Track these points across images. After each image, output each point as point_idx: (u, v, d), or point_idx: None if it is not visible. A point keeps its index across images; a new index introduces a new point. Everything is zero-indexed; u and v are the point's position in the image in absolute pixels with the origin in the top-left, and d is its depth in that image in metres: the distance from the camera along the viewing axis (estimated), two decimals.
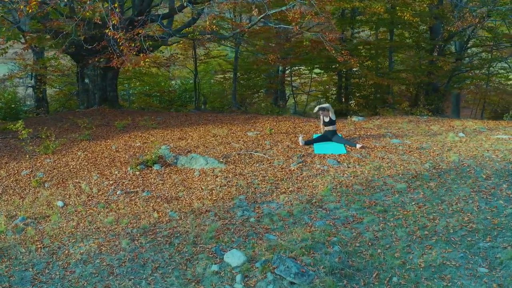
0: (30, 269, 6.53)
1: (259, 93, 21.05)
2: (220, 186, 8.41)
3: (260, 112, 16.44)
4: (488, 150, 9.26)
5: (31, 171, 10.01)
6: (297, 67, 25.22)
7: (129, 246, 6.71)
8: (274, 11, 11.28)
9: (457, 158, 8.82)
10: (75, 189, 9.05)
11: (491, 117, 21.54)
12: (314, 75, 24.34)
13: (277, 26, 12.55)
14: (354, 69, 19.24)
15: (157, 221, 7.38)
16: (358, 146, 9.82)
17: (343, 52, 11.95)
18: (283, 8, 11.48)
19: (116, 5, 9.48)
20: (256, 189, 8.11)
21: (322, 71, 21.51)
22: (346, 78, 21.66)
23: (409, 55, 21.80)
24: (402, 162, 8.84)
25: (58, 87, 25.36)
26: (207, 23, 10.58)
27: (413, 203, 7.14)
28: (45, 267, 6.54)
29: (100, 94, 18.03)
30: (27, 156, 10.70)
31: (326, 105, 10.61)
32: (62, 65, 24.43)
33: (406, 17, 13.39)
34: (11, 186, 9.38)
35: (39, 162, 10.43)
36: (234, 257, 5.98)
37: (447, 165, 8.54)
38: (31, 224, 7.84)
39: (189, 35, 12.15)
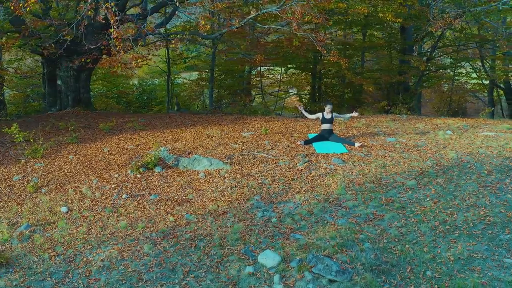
0: (48, 279, 6.27)
1: (237, 94, 21.04)
2: (231, 187, 8.35)
3: (243, 112, 16.40)
4: (481, 147, 9.66)
5: (23, 176, 9.57)
6: (266, 68, 25.35)
7: (153, 251, 6.55)
8: (265, 11, 11.31)
9: (455, 155, 9.16)
10: (75, 193, 8.74)
11: (449, 115, 22.44)
12: (284, 75, 24.52)
13: (266, 26, 12.57)
14: (330, 69, 19.57)
15: (175, 225, 7.25)
16: (357, 145, 10.00)
17: (332, 52, 12.11)
18: (273, 9, 11.54)
19: (113, 4, 9.21)
20: (269, 190, 8.11)
21: (299, 71, 21.70)
22: (320, 78, 21.99)
23: (381, 55, 22.38)
24: (405, 160, 9.09)
25: (16, 89, 24.28)
26: (202, 22, 10.47)
27: (428, 199, 7.36)
28: (64, 276, 6.29)
29: (73, 96, 17.46)
30: (22, 160, 10.23)
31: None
32: (25, 66, 23.47)
33: (388, 18, 13.76)
34: (4, 192, 8.93)
35: (29, 167, 9.98)
36: (269, 258, 5.97)
37: (448, 162, 8.86)
38: (37, 231, 7.52)
39: (178, 35, 11.98)
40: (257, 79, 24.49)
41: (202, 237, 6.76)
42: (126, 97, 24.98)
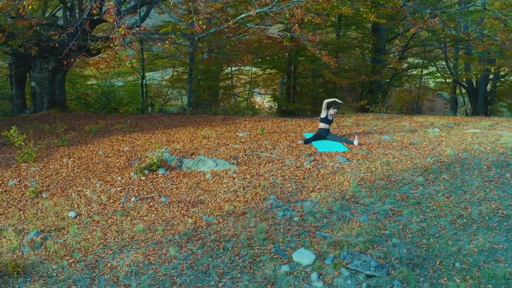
0: (73, 287, 6.08)
1: (217, 94, 20.96)
2: (243, 187, 8.34)
3: (228, 112, 16.37)
4: (473, 144, 10.10)
5: (19, 180, 9.17)
6: (236, 68, 25.33)
7: (180, 254, 6.47)
8: (260, 11, 11.37)
9: (452, 152, 9.54)
10: (80, 198, 8.47)
11: (407, 113, 23.11)
12: (253, 75, 24.62)
13: (256, 26, 12.61)
14: (308, 68, 19.80)
15: (195, 226, 7.18)
16: (355, 143, 10.22)
17: (322, 52, 12.30)
18: (266, 9, 11.61)
19: (111, 3, 8.98)
20: (283, 189, 8.17)
21: (275, 71, 21.82)
22: (295, 78, 22.18)
23: (354, 55, 22.83)
24: (406, 157, 9.38)
25: None
26: (200, 22, 10.39)
27: (440, 194, 7.65)
28: (90, 283, 6.12)
29: (48, 97, 16.86)
30: (21, 164, 9.80)
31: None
32: None
33: (371, 18, 14.14)
34: (3, 198, 8.54)
35: (24, 171, 9.58)
36: (304, 256, 6.03)
37: (447, 159, 9.21)
38: (48, 238, 7.26)
39: (170, 35, 11.83)
40: (228, 79, 24.47)
41: (228, 238, 6.73)
42: (85, 98, 24.39)
